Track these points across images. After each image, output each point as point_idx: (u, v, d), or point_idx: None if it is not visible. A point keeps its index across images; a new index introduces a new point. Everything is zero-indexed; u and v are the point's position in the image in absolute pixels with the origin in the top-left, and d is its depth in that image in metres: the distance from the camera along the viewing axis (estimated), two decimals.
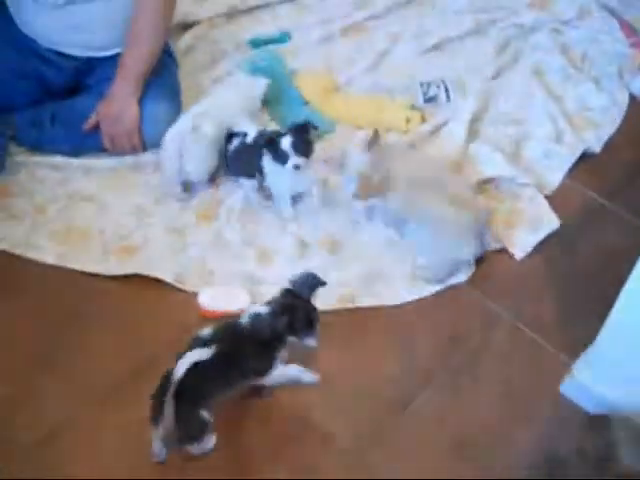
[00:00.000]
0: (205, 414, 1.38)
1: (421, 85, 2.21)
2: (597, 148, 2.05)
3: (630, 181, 1.99)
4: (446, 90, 2.20)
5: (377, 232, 1.85)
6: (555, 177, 1.98)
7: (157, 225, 1.88)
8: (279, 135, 1.77)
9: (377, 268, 1.78)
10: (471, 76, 2.25)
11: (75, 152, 2.00)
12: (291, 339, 1.46)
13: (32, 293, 1.76)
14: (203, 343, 1.40)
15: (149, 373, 1.55)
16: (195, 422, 1.37)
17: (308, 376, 1.50)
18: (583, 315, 1.66)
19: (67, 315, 1.71)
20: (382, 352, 1.64)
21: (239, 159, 1.90)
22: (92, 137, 1.96)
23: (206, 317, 1.66)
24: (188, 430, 1.38)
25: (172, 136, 1.87)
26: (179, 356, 1.38)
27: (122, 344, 1.65)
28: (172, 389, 1.32)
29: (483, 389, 1.58)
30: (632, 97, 2.21)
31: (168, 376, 1.35)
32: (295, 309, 1.44)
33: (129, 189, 1.95)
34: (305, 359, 1.53)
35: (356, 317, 1.68)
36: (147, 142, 1.98)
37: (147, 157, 2.00)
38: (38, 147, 2.00)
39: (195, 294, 1.71)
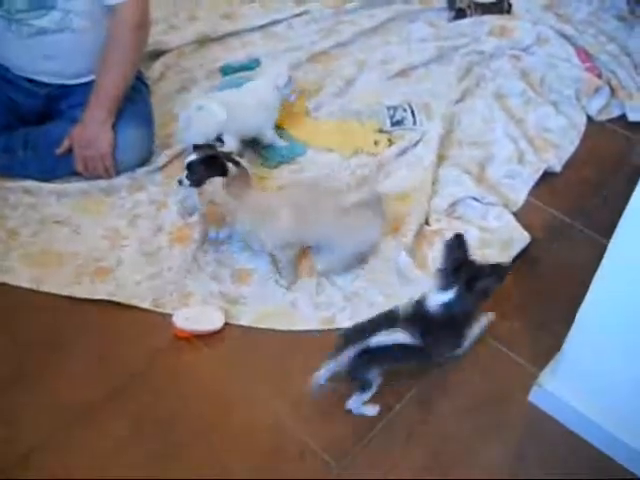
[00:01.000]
0: (376, 373, 1.50)
1: (388, 109, 2.28)
2: (557, 168, 2.13)
3: (590, 198, 2.06)
4: (412, 114, 2.27)
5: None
6: (519, 196, 2.04)
7: (131, 247, 1.90)
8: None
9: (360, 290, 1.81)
10: (436, 100, 2.33)
11: (48, 177, 2.02)
12: None
13: (5, 315, 1.77)
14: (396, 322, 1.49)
15: (122, 395, 1.59)
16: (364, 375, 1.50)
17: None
18: (548, 327, 1.71)
19: (41, 337, 1.72)
20: None
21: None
22: (64, 161, 1.99)
23: (180, 338, 1.69)
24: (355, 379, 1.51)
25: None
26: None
27: (95, 366, 1.66)
28: (361, 346, 1.44)
29: (453, 403, 1.61)
30: (589, 118, 2.30)
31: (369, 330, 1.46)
32: (478, 283, 1.48)
33: (102, 212, 1.98)
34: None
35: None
36: (120, 167, 2.01)
37: (120, 180, 2.03)
38: (10, 173, 2.02)
39: (171, 316, 1.73)
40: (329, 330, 1.72)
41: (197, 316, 1.72)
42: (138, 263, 1.86)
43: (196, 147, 1.89)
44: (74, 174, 2.02)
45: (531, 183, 2.07)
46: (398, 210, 1.95)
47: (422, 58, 2.46)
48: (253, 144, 2.16)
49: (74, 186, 2.01)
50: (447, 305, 1.49)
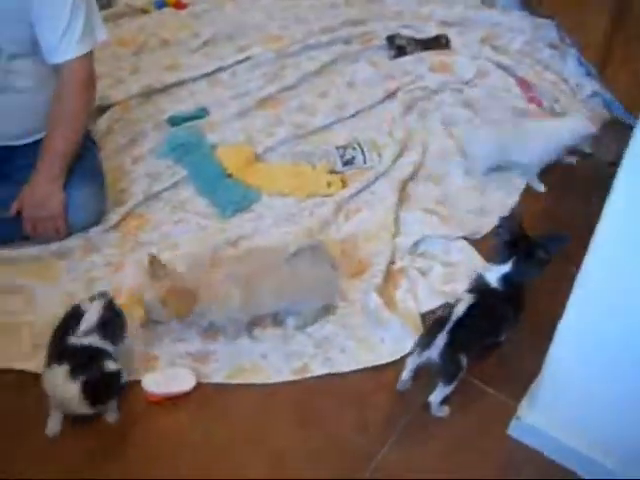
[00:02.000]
0: (464, 360, 1.52)
1: (337, 149, 2.29)
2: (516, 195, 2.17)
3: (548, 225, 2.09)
4: (362, 152, 2.28)
5: None
6: (484, 224, 2.05)
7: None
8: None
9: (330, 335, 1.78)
10: (383, 137, 2.35)
11: None
12: None
13: None
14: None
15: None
16: (455, 363, 1.52)
17: None
18: (523, 358, 1.71)
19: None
20: (336, 418, 1.64)
21: None
22: (13, 226, 1.91)
23: (154, 403, 1.63)
24: (448, 367, 1.52)
25: None
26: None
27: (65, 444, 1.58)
28: (451, 325, 1.49)
29: (433, 445, 1.59)
30: None
31: (449, 310, 1.53)
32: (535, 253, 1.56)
33: (57, 277, 1.91)
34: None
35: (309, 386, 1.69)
36: (72, 228, 1.95)
37: (73, 242, 1.96)
38: None
39: (138, 381, 1.67)
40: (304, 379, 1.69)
41: (167, 379, 1.66)
42: None
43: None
44: (23, 238, 1.95)
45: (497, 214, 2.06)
46: (363, 251, 1.95)
47: (370, 100, 2.49)
48: (207, 194, 2.14)
49: (25, 252, 1.93)
50: (506, 277, 1.57)
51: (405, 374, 1.63)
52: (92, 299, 1.61)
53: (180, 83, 2.57)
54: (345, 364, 1.71)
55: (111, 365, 1.52)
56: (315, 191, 2.16)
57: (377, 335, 1.76)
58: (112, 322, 1.60)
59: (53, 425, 1.58)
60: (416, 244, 1.98)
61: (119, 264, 1.94)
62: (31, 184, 1.89)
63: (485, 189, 2.18)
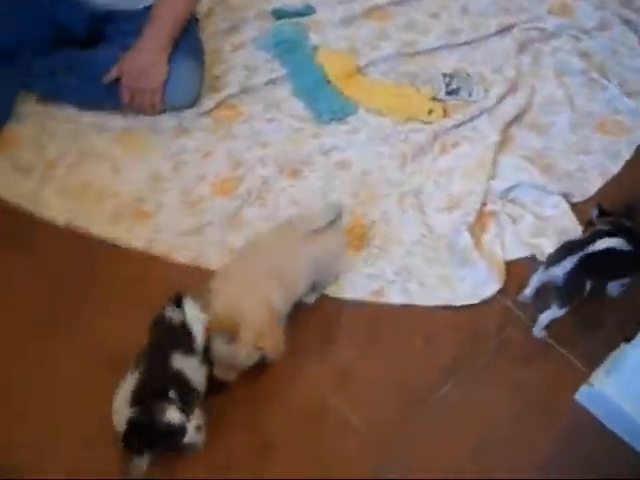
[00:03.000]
0: (587, 286, 1.54)
1: (444, 77, 2.18)
2: (627, 155, 2.06)
3: None
4: (469, 84, 2.18)
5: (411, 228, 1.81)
6: (588, 189, 1.95)
7: (173, 193, 1.81)
8: None
9: (410, 266, 1.74)
10: (493, 74, 2.23)
11: (90, 106, 1.91)
12: None
13: (37, 252, 1.68)
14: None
15: None
16: (578, 286, 1.53)
17: None
18: (601, 324, 1.68)
19: (73, 281, 1.65)
20: (405, 346, 1.62)
21: None
22: (110, 92, 1.87)
23: None
24: (569, 288, 1.53)
25: None
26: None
27: (127, 309, 1.58)
28: (587, 252, 1.50)
29: (499, 390, 1.58)
30: None
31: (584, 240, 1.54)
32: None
33: (145, 152, 1.88)
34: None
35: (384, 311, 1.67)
36: (168, 102, 1.90)
37: (166, 121, 1.93)
38: (51, 96, 1.90)
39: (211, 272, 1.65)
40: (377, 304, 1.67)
41: None
42: (179, 211, 1.79)
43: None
44: (118, 107, 1.90)
45: (600, 171, 1.99)
46: (457, 188, 1.88)
47: (484, 31, 2.34)
48: (305, 97, 2.06)
49: (117, 120, 1.91)
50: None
51: (528, 290, 1.66)
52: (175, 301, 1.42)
53: None
54: (422, 297, 1.69)
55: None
56: (415, 115, 2.07)
57: (459, 274, 1.72)
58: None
59: None
60: (509, 190, 1.91)
61: (209, 151, 1.90)
62: (135, 51, 1.84)
63: (589, 150, 2.06)
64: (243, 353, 1.39)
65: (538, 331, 1.63)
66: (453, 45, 2.30)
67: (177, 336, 1.37)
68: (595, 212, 1.66)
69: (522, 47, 2.32)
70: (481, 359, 1.61)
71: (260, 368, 1.48)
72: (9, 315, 1.58)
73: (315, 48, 2.20)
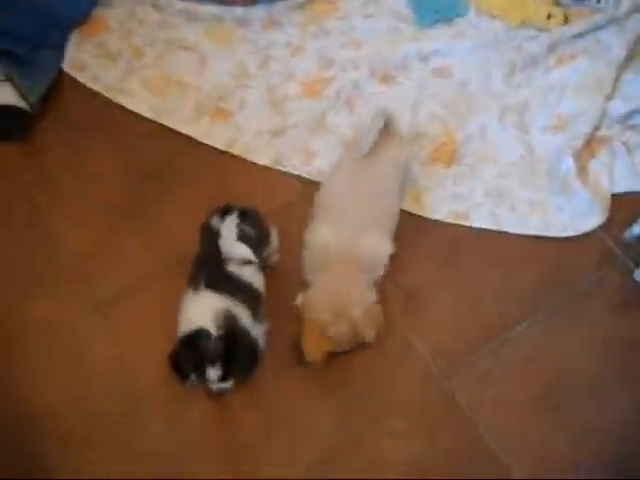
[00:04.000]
0: None
1: None
2: None
3: None
4: None
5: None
6: None
7: (257, 91, 1.73)
8: None
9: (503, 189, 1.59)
10: None
11: None
12: None
13: (121, 142, 1.67)
14: None
15: None
16: None
17: None
18: None
19: (154, 171, 1.63)
20: (483, 275, 1.51)
21: None
22: None
23: None
24: None
25: None
26: None
27: (208, 204, 1.50)
28: None
29: (583, 334, 1.45)
30: None
31: None
32: None
33: (233, 44, 1.79)
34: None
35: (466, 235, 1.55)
36: None
37: (256, 12, 1.81)
38: None
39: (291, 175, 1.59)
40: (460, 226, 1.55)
41: None
42: (262, 110, 1.70)
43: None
44: None
45: None
46: (566, 106, 1.68)
47: None
48: None
49: (206, 9, 1.81)
50: None
51: (635, 229, 1.49)
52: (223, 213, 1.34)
53: None
54: (511, 224, 1.55)
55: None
56: (531, 20, 1.84)
57: (557, 202, 1.56)
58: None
59: None
60: (631, 114, 1.68)
61: (298, 47, 1.79)
62: None
63: None
64: (345, 345, 1.35)
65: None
66: None
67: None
68: None
69: None
70: (567, 299, 1.47)
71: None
72: (94, 203, 1.59)
73: None
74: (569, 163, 1.56)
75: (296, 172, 1.61)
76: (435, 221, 1.56)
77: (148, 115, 1.68)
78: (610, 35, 1.81)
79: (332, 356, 1.35)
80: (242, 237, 1.32)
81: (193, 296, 1.27)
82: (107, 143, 1.66)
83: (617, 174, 1.60)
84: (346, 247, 1.35)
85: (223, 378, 1.22)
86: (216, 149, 1.65)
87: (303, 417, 1.36)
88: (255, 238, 1.34)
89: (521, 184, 1.59)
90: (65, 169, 1.62)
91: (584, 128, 1.62)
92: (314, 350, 1.32)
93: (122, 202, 1.59)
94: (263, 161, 1.63)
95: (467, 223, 1.55)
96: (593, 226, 1.53)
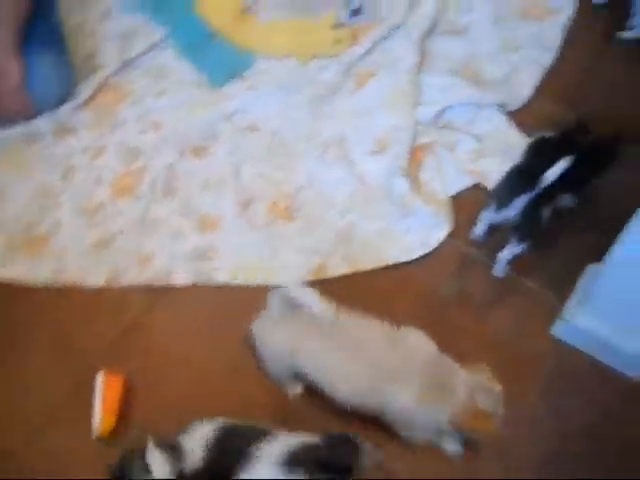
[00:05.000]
0: (546, 214, 1.39)
1: None
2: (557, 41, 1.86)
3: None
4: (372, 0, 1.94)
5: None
6: (521, 91, 1.75)
7: (67, 206, 1.61)
8: None
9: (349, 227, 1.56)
10: None
11: None
12: None
13: None
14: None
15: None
16: (536, 220, 1.39)
17: None
18: (559, 246, 1.54)
19: None
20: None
21: None
22: None
23: None
24: (528, 224, 1.40)
25: None
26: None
27: (56, 357, 1.42)
28: (537, 191, 1.34)
29: (476, 340, 1.44)
30: None
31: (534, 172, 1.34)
32: None
33: (28, 164, 1.65)
34: None
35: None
36: (38, 104, 1.66)
37: (42, 124, 1.69)
38: None
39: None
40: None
41: None
42: (79, 226, 1.57)
43: None
44: None
45: (535, 75, 1.78)
46: (380, 126, 1.67)
47: None
48: (192, 58, 1.82)
49: None
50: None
51: (479, 229, 1.50)
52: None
53: None
54: (367, 261, 1.51)
55: None
56: (320, 50, 1.84)
57: (402, 225, 1.54)
58: None
59: None
60: (440, 114, 1.71)
61: (98, 148, 1.68)
62: None
63: (519, 46, 1.84)
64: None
65: (500, 271, 1.49)
66: None
67: None
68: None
69: None
70: (443, 313, 1.47)
71: None
72: None
73: None
74: (402, 183, 1.56)
75: (138, 282, 1.50)
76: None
77: None
78: (398, 42, 1.83)
79: None
80: None
81: None
82: None
83: (447, 176, 1.62)
84: None
85: None
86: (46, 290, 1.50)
87: None
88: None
89: (364, 217, 1.57)
90: None
91: (404, 143, 1.62)
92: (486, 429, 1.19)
93: None
94: (98, 282, 1.49)
95: (329, 274, 1.50)
96: (442, 237, 1.53)
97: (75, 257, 1.52)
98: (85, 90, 1.74)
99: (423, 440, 1.28)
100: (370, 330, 1.23)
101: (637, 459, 1.33)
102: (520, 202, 1.35)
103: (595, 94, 1.77)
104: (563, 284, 1.46)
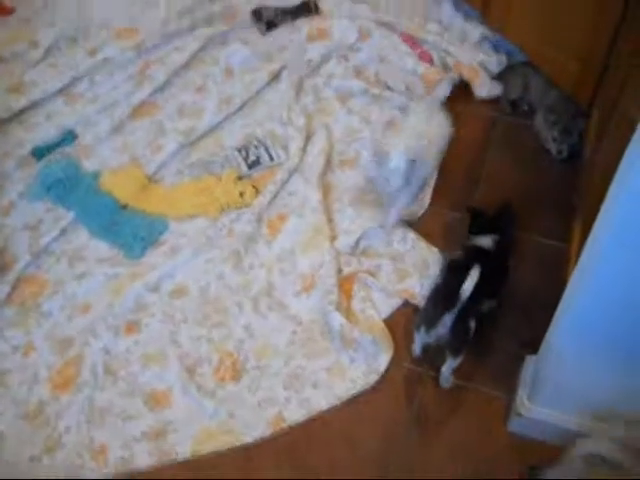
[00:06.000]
0: (472, 325, 1.47)
1: (238, 151, 2.05)
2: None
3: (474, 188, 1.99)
4: (266, 149, 2.06)
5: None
6: (421, 204, 1.91)
7: (7, 415, 1.53)
8: None
9: (296, 372, 1.59)
10: (282, 127, 2.12)
11: None
12: None
13: None
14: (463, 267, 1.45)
15: None
16: (464, 332, 1.46)
17: None
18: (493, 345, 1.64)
19: None
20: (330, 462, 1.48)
21: None
22: None
23: None
24: (458, 339, 1.46)
25: None
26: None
27: None
28: (459, 307, 1.41)
29: (436, 453, 1.49)
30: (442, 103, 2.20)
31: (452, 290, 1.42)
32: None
33: None
34: None
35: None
36: None
37: None
38: None
39: None
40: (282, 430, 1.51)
41: None
42: (23, 433, 1.51)
43: None
44: None
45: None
46: (304, 265, 1.75)
47: (254, 86, 2.23)
48: (105, 235, 1.85)
49: None
50: (498, 242, 1.62)
51: (416, 349, 1.59)
52: None
53: (32, 106, 2.18)
54: (322, 401, 1.54)
55: None
56: (227, 204, 1.92)
57: (347, 357, 1.60)
58: None
59: None
60: (356, 243, 1.81)
61: (28, 346, 1.64)
62: None
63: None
64: None
65: (445, 382, 1.56)
66: (232, 114, 2.17)
67: None
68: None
69: (298, 87, 2.24)
70: (408, 434, 1.51)
71: None
72: None
73: (96, 175, 1.99)
74: (337, 317, 1.61)
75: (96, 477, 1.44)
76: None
77: None
78: (299, 184, 1.95)
79: None
80: None
81: None
82: None
83: (377, 302, 1.70)
84: None
85: None
86: None
87: None
88: None
89: (308, 358, 1.60)
90: None
91: (331, 276, 1.69)
92: None
93: None
94: None
95: (287, 424, 1.51)
96: (387, 360, 1.59)
97: (25, 467, 1.45)
98: (2, 288, 1.71)
99: None
100: None
101: None
102: (447, 320, 1.42)
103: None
104: (508, 380, 1.55)
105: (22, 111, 2.17)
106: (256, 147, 2.06)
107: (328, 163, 2.02)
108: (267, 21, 2.47)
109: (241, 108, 2.19)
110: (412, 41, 2.37)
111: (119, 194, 1.93)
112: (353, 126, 2.14)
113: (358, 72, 2.31)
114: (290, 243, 1.81)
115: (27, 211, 1.92)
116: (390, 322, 1.67)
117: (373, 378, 1.57)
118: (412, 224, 1.87)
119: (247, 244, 1.82)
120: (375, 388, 1.57)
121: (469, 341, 1.48)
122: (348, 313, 1.66)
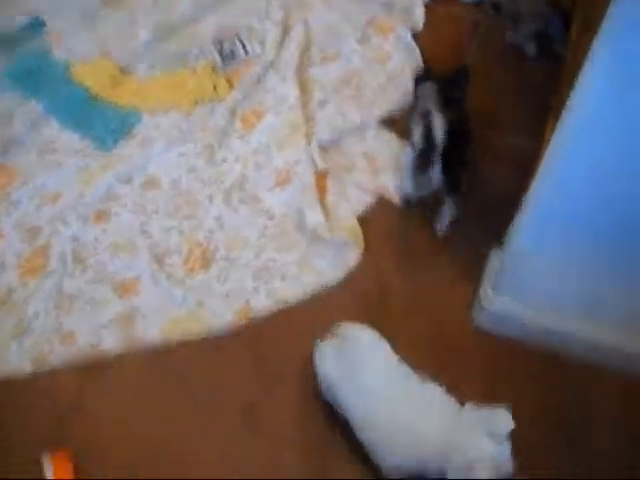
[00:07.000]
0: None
1: (214, 45, 1.98)
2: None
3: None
4: (241, 42, 1.99)
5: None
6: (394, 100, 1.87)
7: None
8: None
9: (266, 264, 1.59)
10: (259, 22, 2.05)
11: None
12: None
13: None
14: None
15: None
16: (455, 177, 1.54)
17: None
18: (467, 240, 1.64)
19: None
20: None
21: None
22: None
23: None
24: (451, 182, 1.54)
25: None
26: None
27: None
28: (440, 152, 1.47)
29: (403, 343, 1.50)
30: None
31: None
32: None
33: None
34: None
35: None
36: None
37: None
38: None
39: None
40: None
41: None
42: None
43: None
44: None
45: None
46: (280, 162, 1.73)
47: None
48: (77, 126, 1.81)
49: None
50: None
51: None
52: None
53: None
54: (289, 293, 1.55)
55: None
56: (201, 97, 1.87)
57: (316, 252, 1.59)
58: None
59: None
60: (334, 139, 1.79)
61: None
62: None
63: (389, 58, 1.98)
64: None
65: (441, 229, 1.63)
66: (208, 5, 2.09)
67: None
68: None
69: None
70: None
71: None
72: None
73: (66, 65, 1.93)
74: (311, 215, 1.61)
75: (66, 362, 1.45)
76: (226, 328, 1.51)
77: None
78: (275, 80, 1.90)
79: None
80: None
81: None
82: None
83: (351, 197, 1.69)
84: None
85: None
86: None
87: None
88: None
89: (279, 251, 1.61)
90: None
91: (307, 173, 1.68)
92: None
93: None
94: (24, 370, 1.44)
95: (253, 314, 1.52)
96: (357, 256, 1.59)
97: None
98: None
99: None
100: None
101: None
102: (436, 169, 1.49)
103: None
104: (472, 269, 1.56)
105: None
106: (231, 41, 2.00)
107: (308, 58, 1.97)
108: None
109: (218, 0, 2.12)
110: None
111: (91, 84, 1.88)
112: (333, 23, 2.07)
113: None
114: (266, 138, 1.77)
115: None
116: (364, 218, 1.67)
117: (342, 272, 1.58)
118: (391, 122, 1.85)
119: (221, 138, 1.79)
120: (343, 285, 1.58)
121: (463, 183, 1.55)
122: (322, 208, 1.64)
